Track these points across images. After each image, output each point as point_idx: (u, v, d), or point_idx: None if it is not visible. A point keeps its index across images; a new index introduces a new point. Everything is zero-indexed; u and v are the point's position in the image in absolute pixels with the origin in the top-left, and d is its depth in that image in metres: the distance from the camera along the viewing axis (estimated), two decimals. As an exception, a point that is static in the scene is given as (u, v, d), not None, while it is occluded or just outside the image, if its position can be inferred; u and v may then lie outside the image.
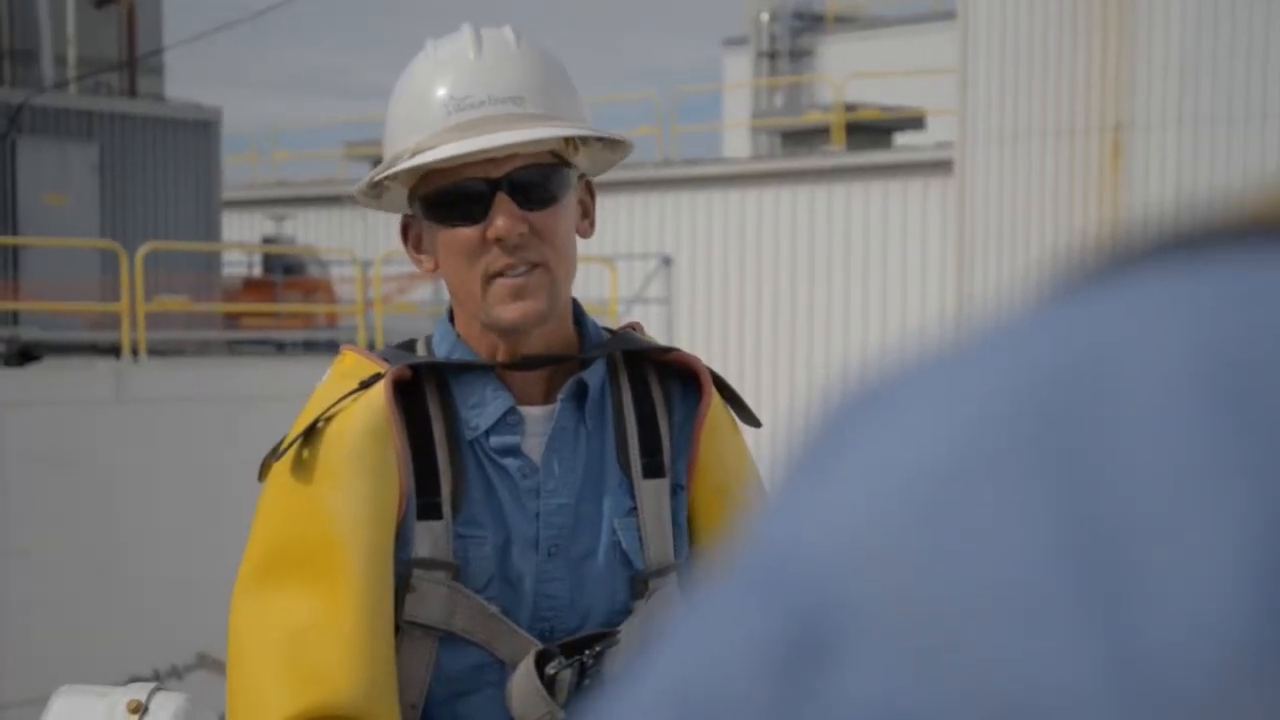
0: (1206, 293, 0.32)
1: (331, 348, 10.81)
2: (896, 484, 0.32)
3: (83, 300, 13.31)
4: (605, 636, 1.91)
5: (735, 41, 25.00)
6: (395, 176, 1.91)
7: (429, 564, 1.88)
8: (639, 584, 1.94)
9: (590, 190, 2.00)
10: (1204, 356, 0.31)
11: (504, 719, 1.89)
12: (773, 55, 23.22)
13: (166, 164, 15.45)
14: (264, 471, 1.89)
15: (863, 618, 0.31)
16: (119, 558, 10.38)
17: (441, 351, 1.95)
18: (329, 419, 1.87)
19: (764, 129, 20.80)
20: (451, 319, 1.97)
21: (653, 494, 1.95)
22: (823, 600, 0.32)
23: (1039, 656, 0.29)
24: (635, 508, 1.95)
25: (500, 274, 1.87)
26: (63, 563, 10.21)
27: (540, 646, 1.88)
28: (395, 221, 2.03)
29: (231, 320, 15.23)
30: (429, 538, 1.88)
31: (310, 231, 20.92)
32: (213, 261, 15.89)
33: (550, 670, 1.87)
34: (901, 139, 19.12)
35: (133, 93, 15.87)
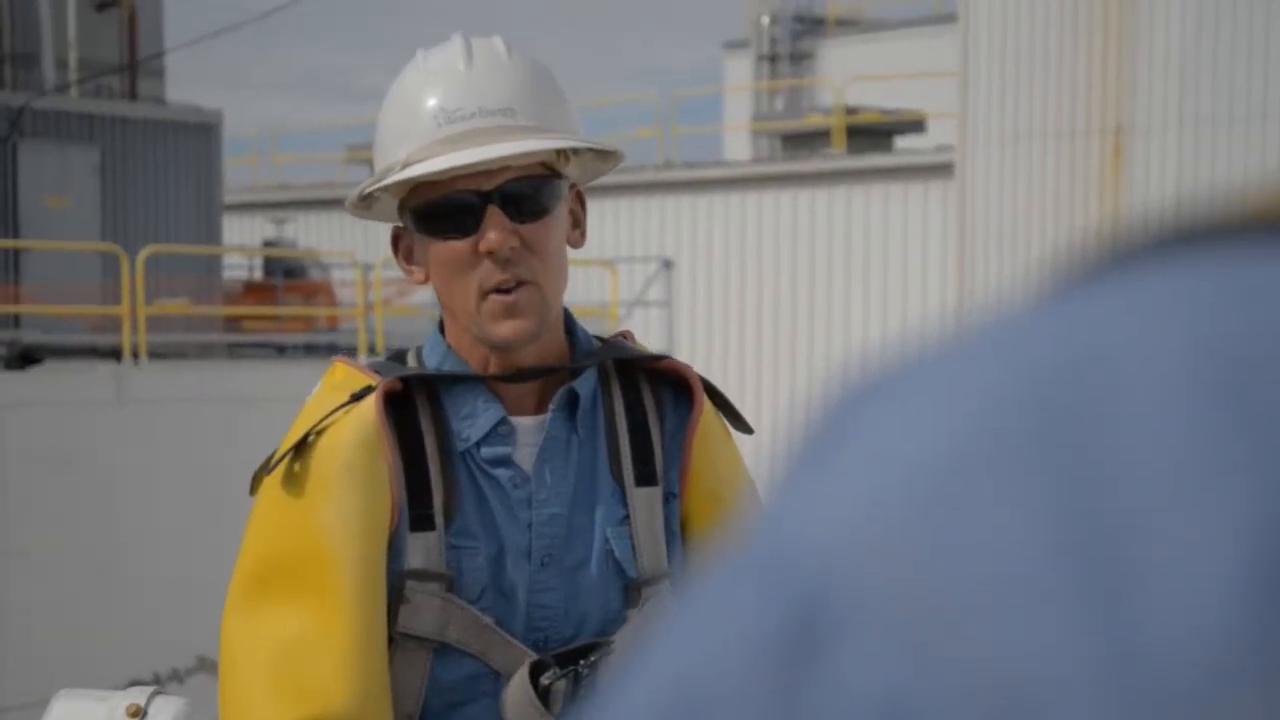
0: (1207, 288, 0.32)
1: (332, 351, 10.81)
2: (898, 477, 0.32)
3: (83, 303, 13.32)
4: (600, 646, 1.91)
5: (736, 44, 24.99)
6: (386, 188, 1.91)
7: (422, 575, 1.88)
8: (632, 593, 1.94)
9: (581, 200, 2.00)
10: (1204, 352, 0.31)
11: (499, 730, 1.89)
12: (773, 58, 23.21)
13: (167, 167, 15.45)
14: (255, 485, 1.90)
15: (863, 609, 0.31)
16: (119, 560, 10.38)
17: (432, 363, 1.95)
18: (320, 432, 1.87)
19: (764, 132, 20.80)
20: (442, 329, 1.97)
21: (645, 502, 1.96)
22: (822, 591, 0.32)
23: (1038, 650, 0.29)
24: (628, 516, 1.95)
25: (493, 290, 1.87)
26: (63, 565, 10.21)
27: (534, 657, 1.88)
28: (397, 225, 2.03)
29: (232, 323, 15.23)
30: (422, 549, 1.88)
31: (311, 235, 20.92)
32: (213, 264, 15.90)
33: (545, 681, 1.87)
34: (902, 142, 19.12)
35: (133, 96, 15.88)
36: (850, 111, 19.16)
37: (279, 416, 2.03)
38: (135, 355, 11.46)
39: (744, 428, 2.03)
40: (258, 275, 18.51)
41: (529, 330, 1.88)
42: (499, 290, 1.87)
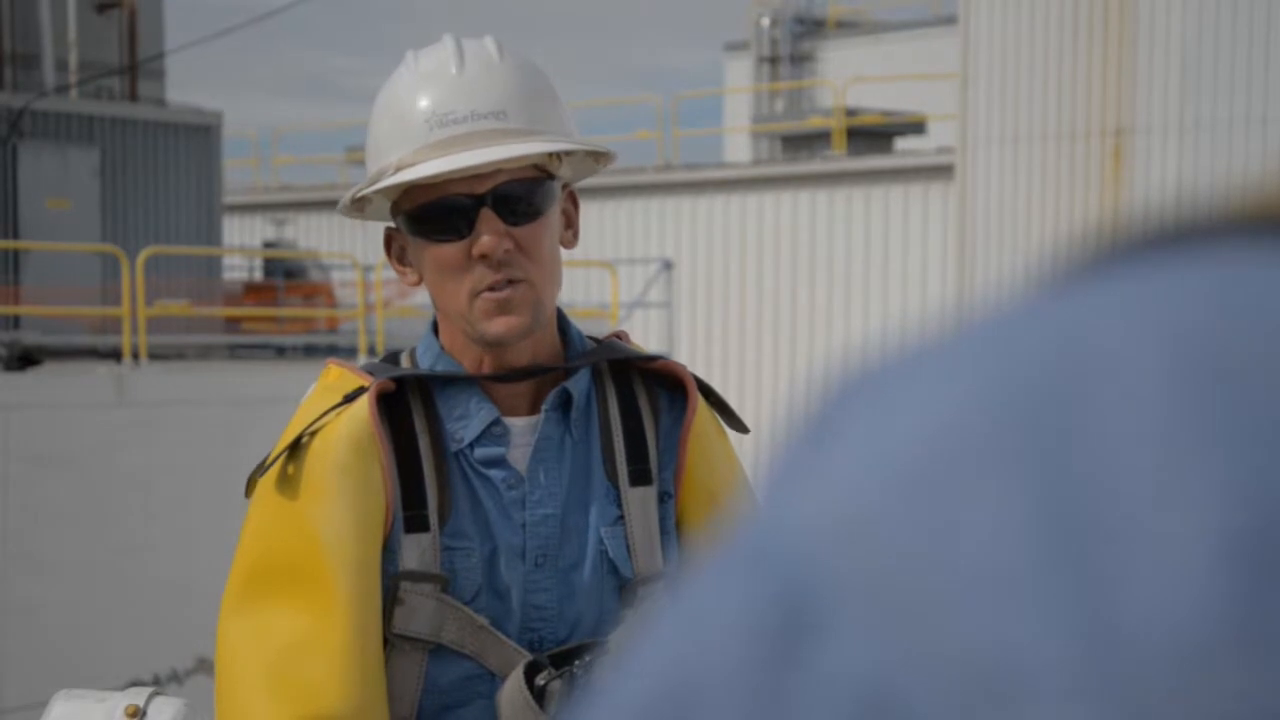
0: (1188, 288, 0.32)
1: (332, 352, 10.82)
2: (881, 471, 0.33)
3: (84, 304, 13.31)
4: (594, 646, 1.91)
5: (736, 46, 24.98)
6: (378, 191, 1.92)
7: (417, 576, 1.88)
8: (627, 593, 1.94)
9: (574, 200, 2.00)
10: (1182, 350, 0.31)
11: (495, 730, 1.89)
12: (774, 60, 23.21)
13: (167, 168, 15.45)
14: (250, 488, 1.90)
15: (848, 596, 0.32)
16: (119, 561, 10.37)
17: (425, 363, 1.95)
18: (313, 434, 1.87)
19: (765, 133, 20.79)
20: (436, 330, 1.97)
21: (640, 502, 1.96)
22: (810, 578, 0.33)
23: (1017, 639, 0.30)
24: (622, 516, 1.95)
25: (485, 289, 1.87)
26: (62, 566, 10.20)
27: (529, 657, 1.89)
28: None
29: (232, 324, 15.22)
30: (416, 550, 1.88)
31: (311, 236, 20.92)
32: (213, 266, 15.89)
33: (540, 681, 1.87)
34: (902, 143, 19.12)
35: (134, 97, 15.88)
36: (850, 113, 19.16)
37: (279, 417, 2.03)
38: (135, 356, 11.46)
39: (739, 427, 2.04)
40: (258, 276, 18.52)
41: (522, 326, 1.88)
42: (492, 288, 1.87)
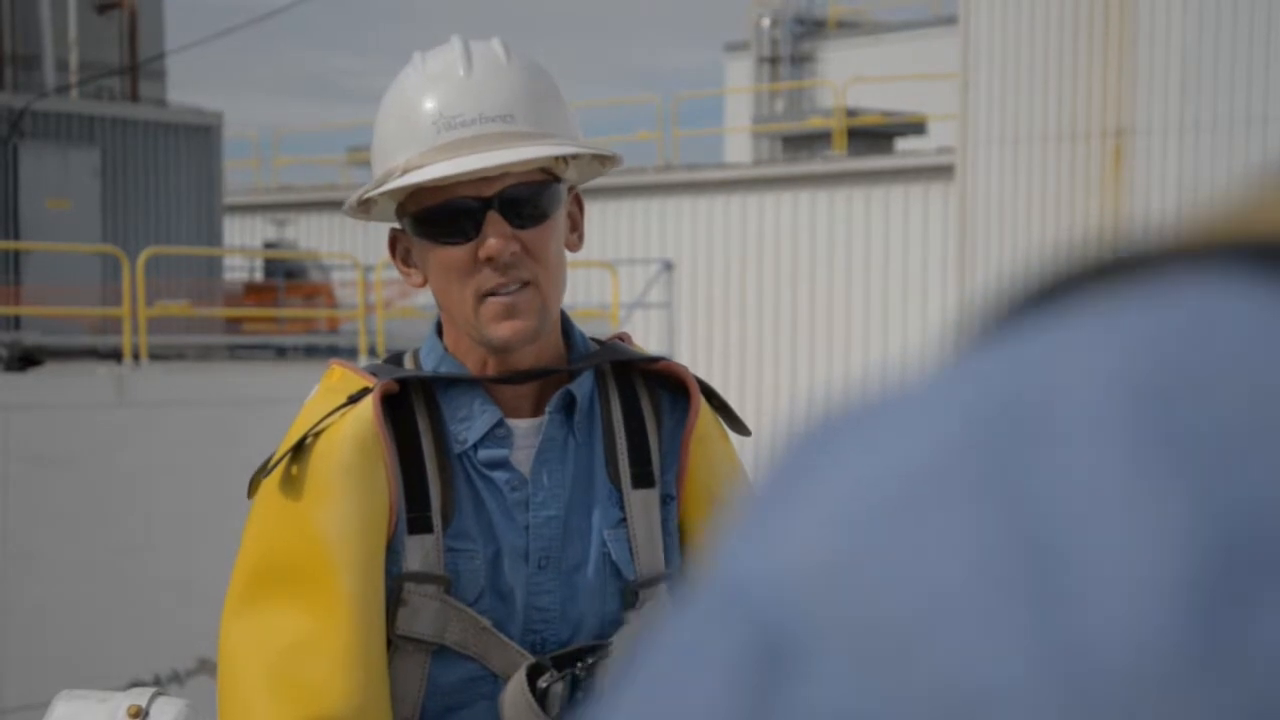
0: (1133, 322, 0.34)
1: (333, 353, 10.82)
2: (849, 511, 0.34)
3: (84, 305, 13.32)
4: (597, 649, 1.91)
5: (737, 46, 24.99)
6: (385, 193, 1.92)
7: (420, 578, 1.88)
8: (630, 594, 1.95)
9: (579, 203, 2.00)
10: (1129, 383, 0.33)
11: (497, 732, 1.89)
12: (774, 60, 23.21)
13: (168, 169, 15.46)
14: (253, 488, 1.90)
15: (825, 637, 0.33)
16: (120, 562, 10.37)
17: (429, 365, 1.95)
18: (317, 434, 1.87)
19: (765, 134, 20.80)
20: (439, 332, 1.97)
21: (642, 504, 1.96)
22: (786, 621, 0.34)
23: (985, 667, 0.31)
24: (625, 518, 1.95)
25: (491, 292, 1.87)
26: (64, 567, 10.21)
27: (532, 659, 1.89)
28: (397, 226, 2.03)
29: (233, 325, 15.23)
30: (420, 551, 1.88)
31: (312, 236, 20.93)
32: (214, 266, 15.90)
33: (542, 683, 1.88)
34: (903, 144, 19.12)
35: (134, 97, 15.89)
36: (851, 113, 19.17)
37: (279, 418, 2.03)
38: (136, 357, 11.47)
39: (741, 429, 2.04)
40: (258, 277, 18.52)
41: (528, 330, 1.88)
42: (497, 291, 1.87)
